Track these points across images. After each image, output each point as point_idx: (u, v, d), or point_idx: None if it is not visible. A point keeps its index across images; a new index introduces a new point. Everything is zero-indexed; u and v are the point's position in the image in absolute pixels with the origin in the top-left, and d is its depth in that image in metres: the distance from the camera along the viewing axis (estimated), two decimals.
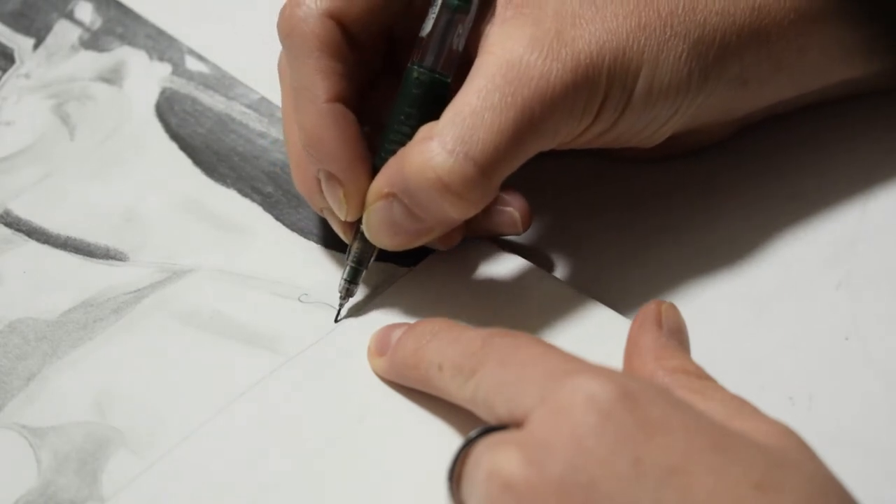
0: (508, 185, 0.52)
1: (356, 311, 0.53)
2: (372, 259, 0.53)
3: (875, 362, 0.51)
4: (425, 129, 0.49)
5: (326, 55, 0.51)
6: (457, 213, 0.50)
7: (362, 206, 0.51)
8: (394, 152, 0.50)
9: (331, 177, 0.51)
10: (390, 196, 0.50)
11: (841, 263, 0.55)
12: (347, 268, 0.53)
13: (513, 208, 0.53)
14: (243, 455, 0.48)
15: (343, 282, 0.53)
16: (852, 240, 0.55)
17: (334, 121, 0.51)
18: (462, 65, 0.51)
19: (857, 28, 0.54)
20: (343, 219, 0.52)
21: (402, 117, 0.51)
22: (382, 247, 0.52)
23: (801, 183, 0.57)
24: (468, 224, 0.53)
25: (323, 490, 0.48)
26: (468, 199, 0.49)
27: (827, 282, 0.54)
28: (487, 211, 0.52)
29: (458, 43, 0.51)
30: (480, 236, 0.54)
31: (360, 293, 0.54)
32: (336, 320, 0.53)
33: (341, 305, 0.53)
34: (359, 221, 0.52)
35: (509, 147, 0.49)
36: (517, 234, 0.54)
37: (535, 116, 0.49)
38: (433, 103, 0.50)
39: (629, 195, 0.57)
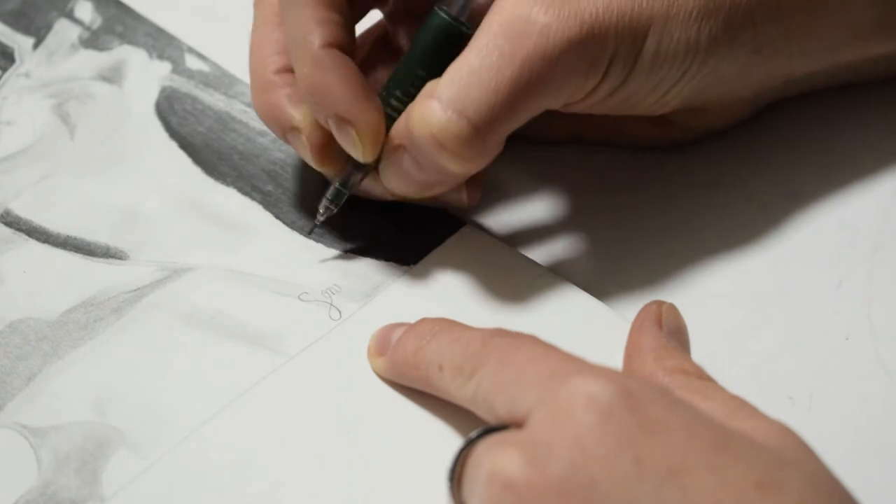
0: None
1: (356, 309, 0.53)
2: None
3: (875, 362, 0.51)
4: (430, 85, 0.50)
5: (322, 5, 0.51)
6: (456, 168, 0.50)
7: (376, 143, 0.51)
8: (408, 92, 0.51)
9: (339, 119, 0.51)
10: (401, 147, 0.51)
11: (841, 262, 0.55)
12: (332, 188, 0.53)
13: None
14: (243, 455, 0.48)
15: (325, 200, 0.54)
16: (853, 238, 0.55)
17: (333, 64, 0.51)
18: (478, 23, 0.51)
19: (870, 5, 0.54)
20: (363, 160, 0.52)
21: (418, 63, 0.51)
22: (398, 192, 0.52)
23: (802, 181, 0.57)
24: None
25: (323, 490, 0.48)
26: (463, 155, 0.49)
27: (827, 281, 0.54)
28: None
29: None
30: (431, 205, 0.55)
31: (361, 293, 0.54)
32: (308, 234, 0.55)
33: (317, 223, 0.54)
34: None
35: (506, 105, 0.49)
36: (462, 206, 0.54)
37: (534, 74, 0.49)
38: (450, 50, 0.50)
39: (631, 191, 0.57)
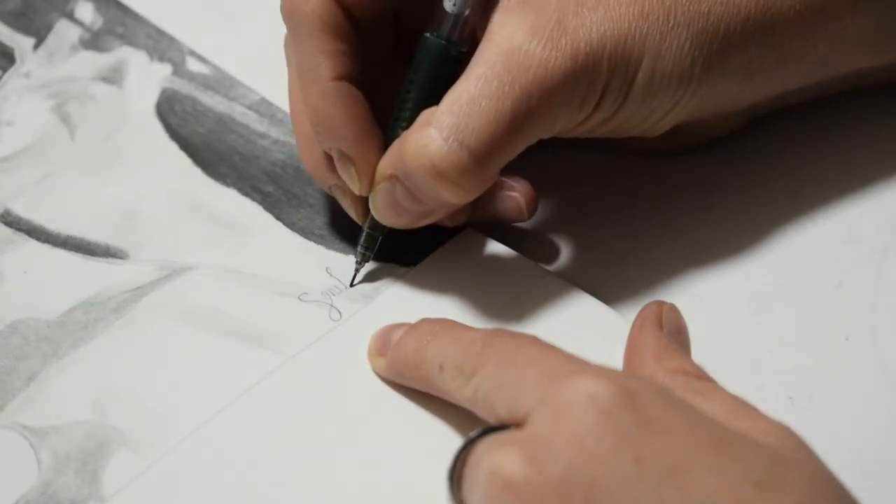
0: (514, 171, 0.52)
1: (356, 310, 0.53)
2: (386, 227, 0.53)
3: (875, 362, 0.51)
4: (426, 115, 0.50)
5: (329, 35, 0.51)
6: (453, 198, 0.50)
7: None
8: (406, 121, 0.51)
9: (342, 154, 0.51)
10: (393, 178, 0.51)
11: (841, 263, 0.55)
12: (364, 234, 0.53)
13: (518, 194, 0.53)
14: (243, 455, 0.48)
15: (360, 247, 0.54)
16: (853, 239, 0.55)
17: (340, 99, 0.51)
18: (471, 50, 0.51)
19: (865, 19, 0.54)
20: (358, 193, 0.52)
21: (416, 87, 0.51)
22: (388, 225, 0.52)
23: (803, 181, 0.57)
24: (473, 208, 0.53)
25: (323, 490, 0.48)
26: (462, 185, 0.49)
27: (827, 281, 0.54)
28: (492, 196, 0.53)
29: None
30: (486, 221, 0.55)
31: (361, 293, 0.54)
32: (351, 284, 0.54)
33: (357, 271, 0.54)
34: None
35: (505, 135, 0.49)
36: (522, 220, 0.54)
37: (532, 105, 0.49)
38: (447, 74, 0.50)
39: (632, 192, 0.58)
